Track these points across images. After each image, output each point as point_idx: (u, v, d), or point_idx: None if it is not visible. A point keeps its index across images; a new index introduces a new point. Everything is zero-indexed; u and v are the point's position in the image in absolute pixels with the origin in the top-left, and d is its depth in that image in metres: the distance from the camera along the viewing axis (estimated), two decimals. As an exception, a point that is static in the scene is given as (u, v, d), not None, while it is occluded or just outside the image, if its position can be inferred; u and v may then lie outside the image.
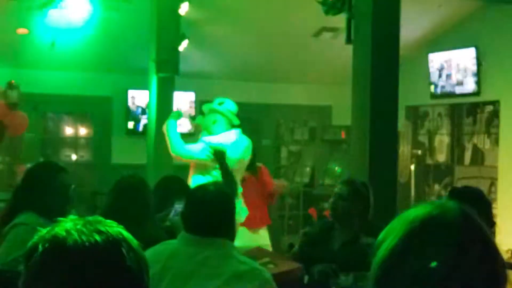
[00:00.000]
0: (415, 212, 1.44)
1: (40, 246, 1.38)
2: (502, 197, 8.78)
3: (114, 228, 1.42)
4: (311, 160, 11.48)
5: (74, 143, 10.56)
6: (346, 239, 4.35)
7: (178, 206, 4.36)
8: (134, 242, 1.44)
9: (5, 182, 9.10)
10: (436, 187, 9.96)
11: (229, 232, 3.09)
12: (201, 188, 3.15)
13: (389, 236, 1.44)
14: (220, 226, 3.05)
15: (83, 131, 10.60)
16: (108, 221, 1.45)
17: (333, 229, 4.45)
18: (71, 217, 1.44)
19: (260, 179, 7.14)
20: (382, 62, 5.37)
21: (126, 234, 1.43)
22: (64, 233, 1.38)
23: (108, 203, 3.94)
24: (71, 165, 9.29)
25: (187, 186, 4.85)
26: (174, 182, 4.79)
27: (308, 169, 11.48)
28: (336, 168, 10.80)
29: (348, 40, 5.54)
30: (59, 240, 1.37)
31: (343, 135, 10.92)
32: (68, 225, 1.40)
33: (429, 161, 10.11)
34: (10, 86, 8.38)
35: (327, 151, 11.12)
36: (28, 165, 8.36)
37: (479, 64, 9.13)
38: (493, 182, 9.10)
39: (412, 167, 10.04)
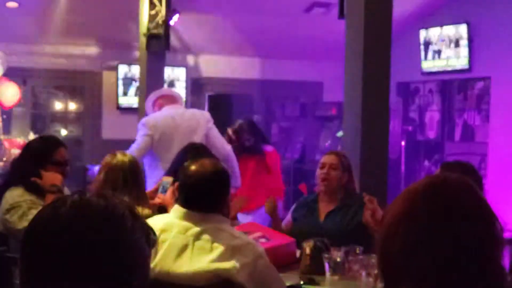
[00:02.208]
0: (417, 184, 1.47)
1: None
2: (492, 173, 8.82)
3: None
4: (302, 136, 11.48)
5: (64, 118, 10.51)
6: (330, 210, 4.47)
7: (166, 182, 4.35)
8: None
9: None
10: (426, 163, 9.99)
11: (223, 207, 3.09)
12: (196, 163, 3.14)
13: (393, 207, 1.46)
14: (214, 201, 3.05)
15: (73, 106, 10.55)
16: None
17: (317, 201, 4.54)
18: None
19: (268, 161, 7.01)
20: (375, 38, 5.34)
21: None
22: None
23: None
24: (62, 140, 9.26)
25: (209, 152, 4.83)
26: (196, 148, 4.79)
27: (299, 145, 11.48)
28: (327, 144, 10.80)
29: (341, 15, 5.51)
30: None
31: (329, 111, 10.90)
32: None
33: (419, 137, 10.13)
34: None
35: (318, 127, 11.11)
36: (18, 139, 8.40)
37: (470, 40, 9.13)
38: (483, 158, 9.14)
39: (403, 143, 10.06)
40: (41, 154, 3.94)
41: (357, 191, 4.73)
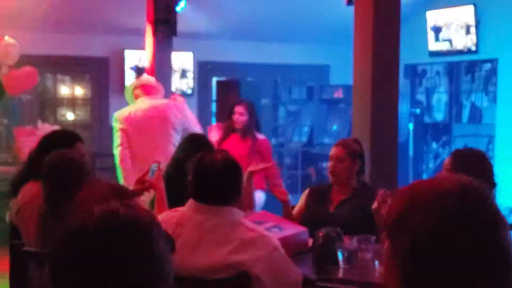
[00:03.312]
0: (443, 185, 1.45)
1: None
2: (499, 155, 8.81)
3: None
4: (309, 120, 11.48)
5: (71, 104, 10.53)
6: (342, 199, 4.45)
7: (154, 166, 4.34)
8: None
9: (3, 144, 9.09)
10: (434, 145, 9.99)
11: (237, 200, 3.10)
12: (209, 156, 3.14)
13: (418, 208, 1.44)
14: (228, 194, 3.06)
15: (80, 92, 10.57)
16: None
17: (331, 190, 4.52)
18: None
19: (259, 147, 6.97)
20: (384, 22, 5.34)
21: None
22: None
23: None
24: (68, 126, 9.28)
25: (210, 143, 4.84)
26: (198, 139, 4.80)
27: (306, 128, 11.48)
28: (334, 127, 10.80)
29: (349, 1, 5.50)
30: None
31: (336, 94, 10.87)
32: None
33: (427, 119, 10.12)
34: None
35: (325, 110, 11.10)
36: (27, 127, 8.42)
37: (477, 21, 9.08)
38: (490, 139, 9.13)
39: (411, 125, 10.05)
40: (59, 149, 3.92)
41: (366, 175, 4.71)
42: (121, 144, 6.11)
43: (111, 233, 1.34)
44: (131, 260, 1.33)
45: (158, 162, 4.14)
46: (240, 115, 6.72)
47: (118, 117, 6.18)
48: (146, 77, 6.90)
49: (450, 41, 9.47)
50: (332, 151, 4.51)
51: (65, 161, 3.54)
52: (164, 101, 6.42)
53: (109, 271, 1.31)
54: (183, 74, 10.26)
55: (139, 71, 9.85)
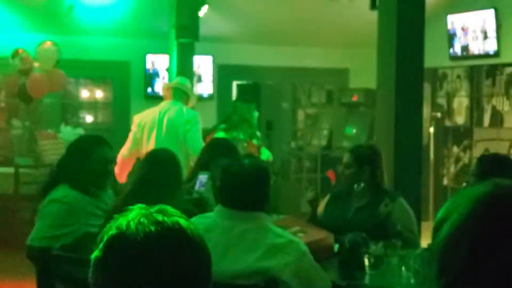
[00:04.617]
0: (479, 190, 1.45)
1: (104, 237, 1.41)
2: (521, 159, 8.76)
3: (174, 217, 1.44)
4: (329, 123, 11.48)
5: (93, 107, 10.60)
6: (360, 205, 4.41)
7: (203, 177, 4.38)
8: (193, 231, 1.45)
9: (25, 147, 9.15)
10: (455, 149, 9.95)
11: (265, 205, 3.10)
12: (237, 162, 3.15)
13: (453, 213, 1.44)
14: (257, 199, 3.07)
15: (102, 95, 10.63)
16: (170, 209, 1.46)
17: (351, 195, 4.49)
18: (138, 206, 1.46)
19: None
20: (407, 26, 5.34)
21: (185, 223, 1.44)
22: (124, 225, 1.40)
23: (140, 175, 3.97)
24: (90, 130, 9.34)
25: (234, 147, 4.86)
26: (221, 144, 4.82)
27: (325, 131, 11.48)
28: (354, 130, 10.79)
29: (373, 6, 5.51)
30: (118, 233, 1.40)
31: (355, 98, 10.85)
32: (131, 216, 1.42)
33: (448, 123, 10.08)
34: (13, 54, 8.43)
35: (344, 114, 11.09)
36: (49, 130, 8.48)
37: (498, 25, 9.05)
38: (512, 144, 9.09)
39: (431, 129, 10.02)
40: (85, 154, 3.99)
41: (385, 181, 4.69)
42: (126, 147, 6.24)
43: (161, 252, 1.37)
44: (181, 275, 1.37)
45: (207, 174, 4.21)
46: None
47: (134, 119, 6.32)
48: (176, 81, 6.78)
49: (471, 44, 9.44)
50: (343, 157, 4.54)
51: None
52: (180, 108, 6.29)
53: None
54: (199, 79, 10.29)
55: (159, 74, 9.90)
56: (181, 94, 6.28)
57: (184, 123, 6.04)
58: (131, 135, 6.29)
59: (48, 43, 8.39)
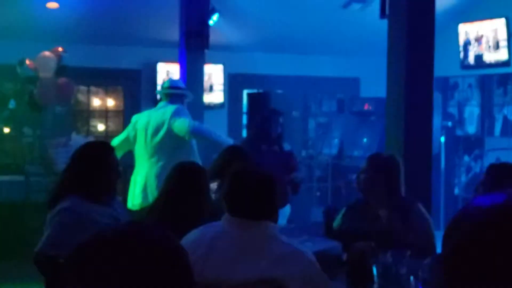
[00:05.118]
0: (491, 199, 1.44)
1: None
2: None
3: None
4: (339, 132, 11.46)
5: (104, 116, 10.62)
6: (377, 214, 4.37)
7: (212, 185, 4.38)
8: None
9: (36, 155, 9.17)
10: (466, 158, 9.91)
11: (273, 214, 3.09)
12: (244, 170, 3.15)
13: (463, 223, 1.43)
14: (264, 208, 3.06)
15: (113, 104, 10.66)
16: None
17: (366, 205, 4.46)
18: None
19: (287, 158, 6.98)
20: (418, 36, 5.33)
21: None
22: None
23: (169, 188, 3.96)
24: (101, 138, 9.35)
25: (247, 154, 4.86)
26: (235, 151, 4.82)
27: (336, 140, 11.46)
28: (365, 139, 10.77)
29: (382, 15, 5.49)
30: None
31: (366, 107, 10.85)
32: None
33: (459, 132, 10.05)
34: (20, 62, 8.48)
35: (355, 122, 11.07)
36: (60, 139, 8.50)
37: (509, 34, 9.03)
38: (523, 153, 9.05)
39: (442, 138, 9.99)
40: (99, 160, 3.95)
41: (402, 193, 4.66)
42: (115, 139, 6.40)
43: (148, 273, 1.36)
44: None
45: (215, 183, 4.22)
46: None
47: (132, 119, 6.46)
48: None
49: (482, 54, 9.42)
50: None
51: None
52: (166, 107, 6.31)
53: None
54: (210, 87, 10.32)
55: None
56: (170, 95, 6.32)
57: (169, 118, 6.10)
58: (125, 132, 6.42)
59: (47, 53, 8.43)
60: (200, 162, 5.44)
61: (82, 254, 1.36)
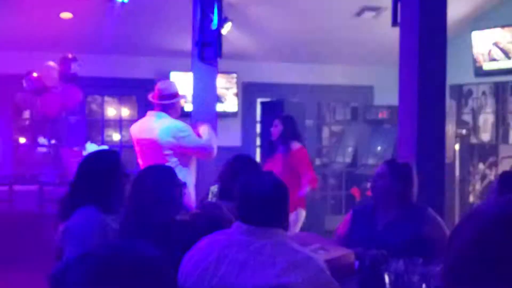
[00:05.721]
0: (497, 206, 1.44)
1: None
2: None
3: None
4: (353, 140, 11.45)
5: (118, 125, 10.67)
6: (388, 220, 4.36)
7: (214, 187, 4.38)
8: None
9: (50, 164, 9.23)
10: (481, 166, 9.86)
11: (283, 222, 3.10)
12: (255, 178, 3.15)
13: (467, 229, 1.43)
14: (275, 216, 3.06)
15: (127, 113, 10.71)
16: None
17: (377, 210, 4.44)
18: None
19: (291, 160, 7.10)
20: (430, 43, 5.33)
21: None
22: None
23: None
24: (115, 147, 9.40)
25: (256, 163, 4.87)
26: (243, 160, 4.82)
27: (350, 149, 11.45)
28: (379, 148, 10.75)
29: (394, 22, 5.50)
30: None
31: (380, 115, 10.86)
32: None
33: (473, 140, 10.01)
34: (28, 72, 8.55)
35: (369, 131, 11.06)
36: (74, 148, 8.55)
37: (524, 41, 9.00)
38: (538, 161, 9.00)
39: (457, 146, 9.95)
40: (108, 172, 3.90)
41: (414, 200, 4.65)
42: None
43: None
44: None
45: (215, 187, 4.21)
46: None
47: (130, 130, 6.59)
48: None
49: (496, 61, 9.38)
50: (378, 167, 4.50)
51: None
52: (163, 120, 6.17)
53: None
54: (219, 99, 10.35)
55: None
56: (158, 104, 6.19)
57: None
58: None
59: (52, 63, 8.51)
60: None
61: (69, 271, 1.38)
